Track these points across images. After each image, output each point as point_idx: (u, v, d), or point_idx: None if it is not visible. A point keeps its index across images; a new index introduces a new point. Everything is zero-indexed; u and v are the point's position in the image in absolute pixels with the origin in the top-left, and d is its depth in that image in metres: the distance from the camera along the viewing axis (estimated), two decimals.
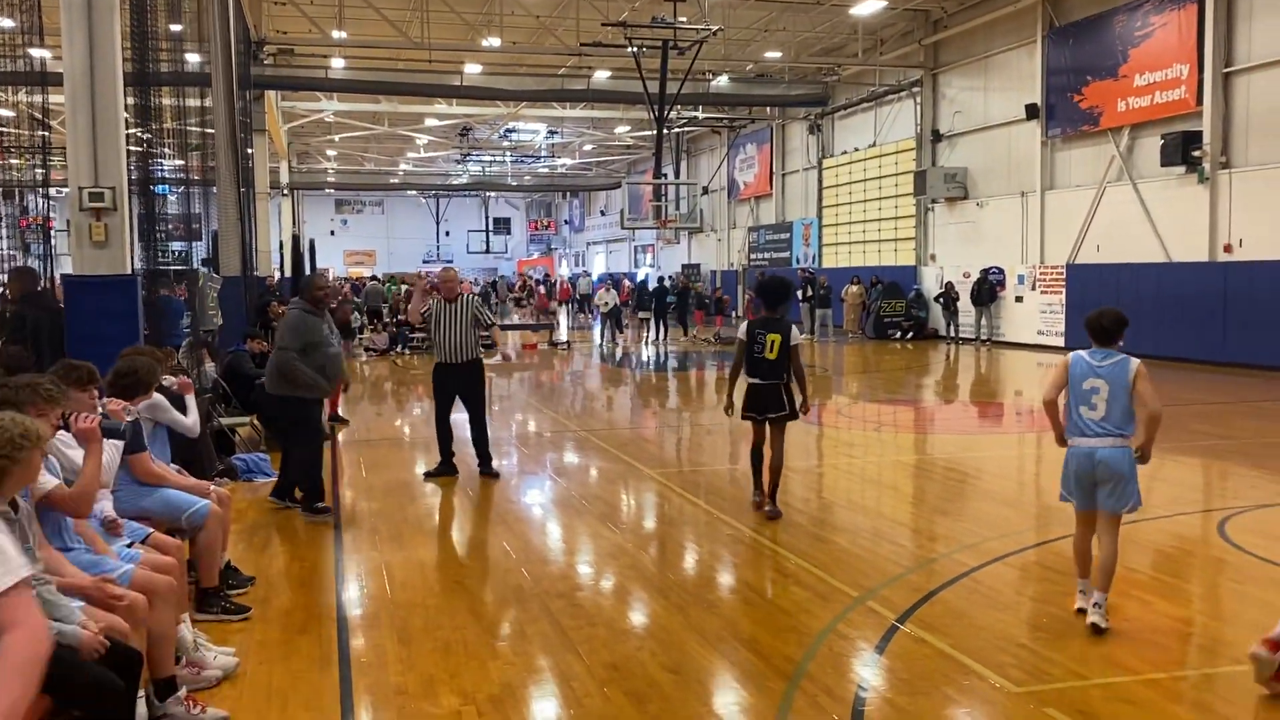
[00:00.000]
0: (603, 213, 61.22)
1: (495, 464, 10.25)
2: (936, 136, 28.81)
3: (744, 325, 8.48)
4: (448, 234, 71.74)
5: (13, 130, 9.62)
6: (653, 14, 25.55)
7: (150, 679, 4.46)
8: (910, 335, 28.59)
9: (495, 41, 27.40)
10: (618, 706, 4.72)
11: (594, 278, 51.05)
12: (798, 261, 36.39)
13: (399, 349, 26.00)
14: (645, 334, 30.57)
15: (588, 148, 50.78)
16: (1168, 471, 9.92)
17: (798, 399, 8.41)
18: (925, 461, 11.37)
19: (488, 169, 56.13)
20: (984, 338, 26.10)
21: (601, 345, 28.80)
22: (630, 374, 22.42)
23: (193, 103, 14.77)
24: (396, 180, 60.97)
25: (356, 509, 8.88)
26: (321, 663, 5.31)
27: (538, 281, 51.28)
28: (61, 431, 4.66)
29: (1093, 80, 22.79)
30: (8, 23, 8.46)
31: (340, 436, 12.75)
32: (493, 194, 67.75)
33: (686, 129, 42.50)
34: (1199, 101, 20.06)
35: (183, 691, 4.58)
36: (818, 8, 27.36)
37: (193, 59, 16.06)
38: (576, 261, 67.90)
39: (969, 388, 19.29)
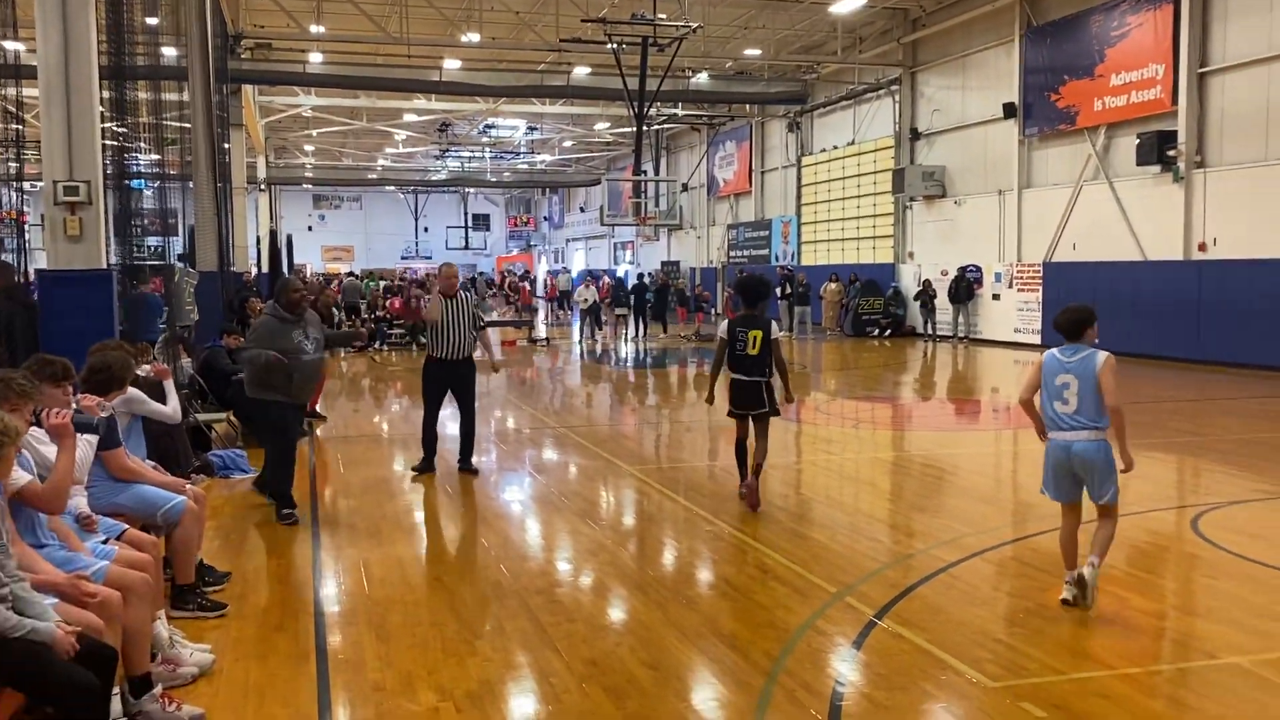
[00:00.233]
0: (582, 209, 61.14)
1: (474, 460, 10.23)
2: (915, 135, 28.93)
3: (724, 324, 8.65)
4: (426, 230, 71.47)
5: None
6: (632, 10, 25.53)
7: (125, 676, 4.42)
8: (888, 333, 28.71)
9: (474, 37, 27.32)
10: (596, 703, 4.72)
11: (574, 274, 51.01)
12: (777, 259, 36.46)
13: (378, 345, 25.90)
14: (624, 331, 30.57)
15: (567, 144, 50.72)
16: (1143, 468, 9.95)
17: (779, 393, 8.59)
18: (903, 458, 11.42)
19: (467, 165, 55.97)
20: (961, 335, 26.24)
21: (581, 342, 28.78)
22: (609, 371, 22.42)
23: (169, 97, 14.66)
24: (375, 176, 60.68)
25: (334, 506, 8.84)
26: (298, 659, 5.29)
27: (520, 277, 51.18)
28: (34, 427, 4.62)
29: (1070, 80, 22.93)
30: None
31: (318, 432, 12.70)
32: (472, 190, 67.57)
33: (666, 126, 42.51)
34: (1174, 101, 20.21)
35: (158, 689, 4.55)
36: (797, 6, 27.43)
37: (169, 53, 15.94)
38: (556, 258, 67.79)
39: (946, 385, 19.39)
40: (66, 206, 8.62)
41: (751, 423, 8.53)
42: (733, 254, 40.33)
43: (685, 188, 44.58)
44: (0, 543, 3.83)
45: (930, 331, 27.55)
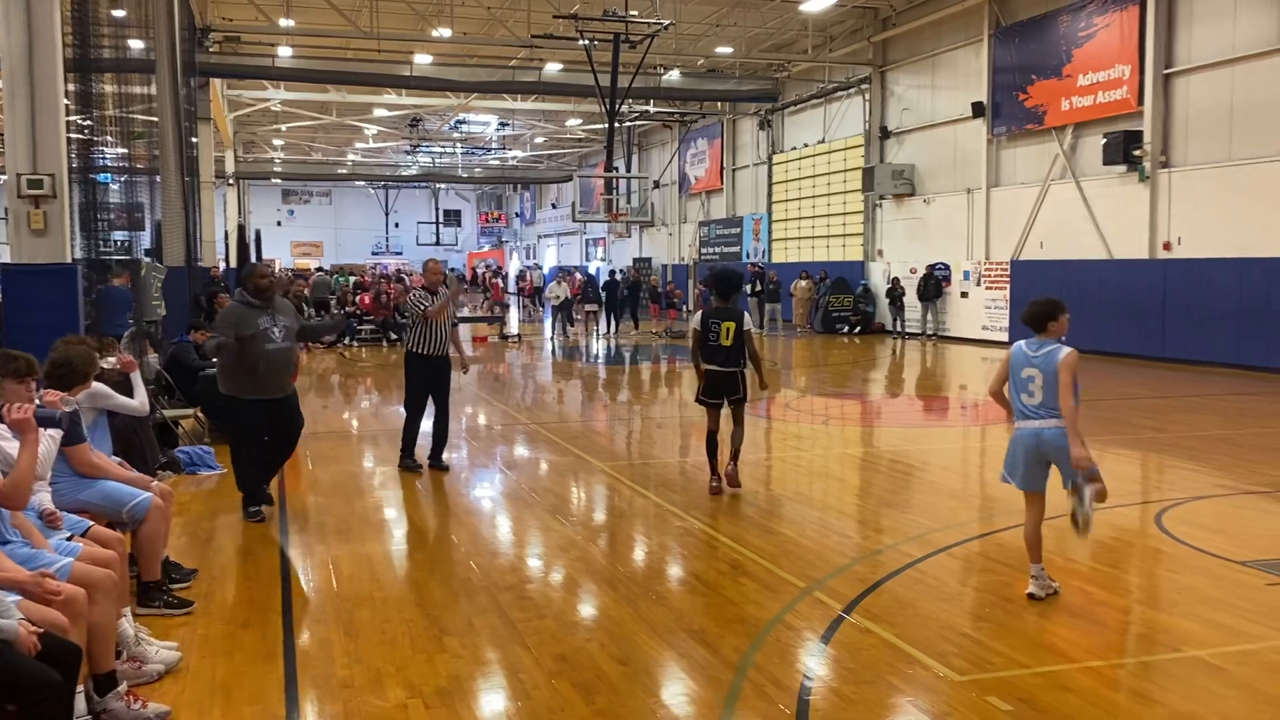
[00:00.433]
0: (554, 205, 61.05)
1: (445, 457, 10.21)
2: (885, 133, 29.09)
3: (697, 315, 8.87)
4: (397, 225, 71.15)
5: None
6: (604, 7, 25.50)
7: (90, 674, 4.39)
8: (858, 330, 28.86)
9: (446, 32, 27.22)
10: (566, 698, 4.73)
11: (545, 270, 50.91)
12: (748, 256, 36.56)
13: (347, 341, 25.76)
14: (596, 327, 30.57)
15: (539, 140, 50.62)
16: (1107, 465, 10.09)
17: (751, 381, 8.87)
18: (872, 454, 11.50)
19: (437, 160, 55.74)
20: (929, 333, 26.42)
21: (552, 338, 28.74)
22: (581, 367, 22.41)
23: (137, 90, 14.50)
24: (345, 171, 60.30)
25: (303, 503, 8.79)
26: (266, 656, 5.26)
27: (493, 273, 51.01)
28: None
29: (1037, 79, 23.13)
30: None
31: None
32: (443, 186, 67.36)
33: (638, 123, 42.50)
34: (1140, 102, 20.44)
35: (123, 686, 4.51)
36: (768, 4, 27.50)
37: (136, 45, 15.76)
38: (528, 254, 67.67)
39: (915, 382, 19.52)
40: (30, 200, 8.52)
41: (728, 408, 8.82)
42: (704, 251, 40.40)
43: (657, 185, 44.57)
44: None
45: (899, 329, 27.73)
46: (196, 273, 19.74)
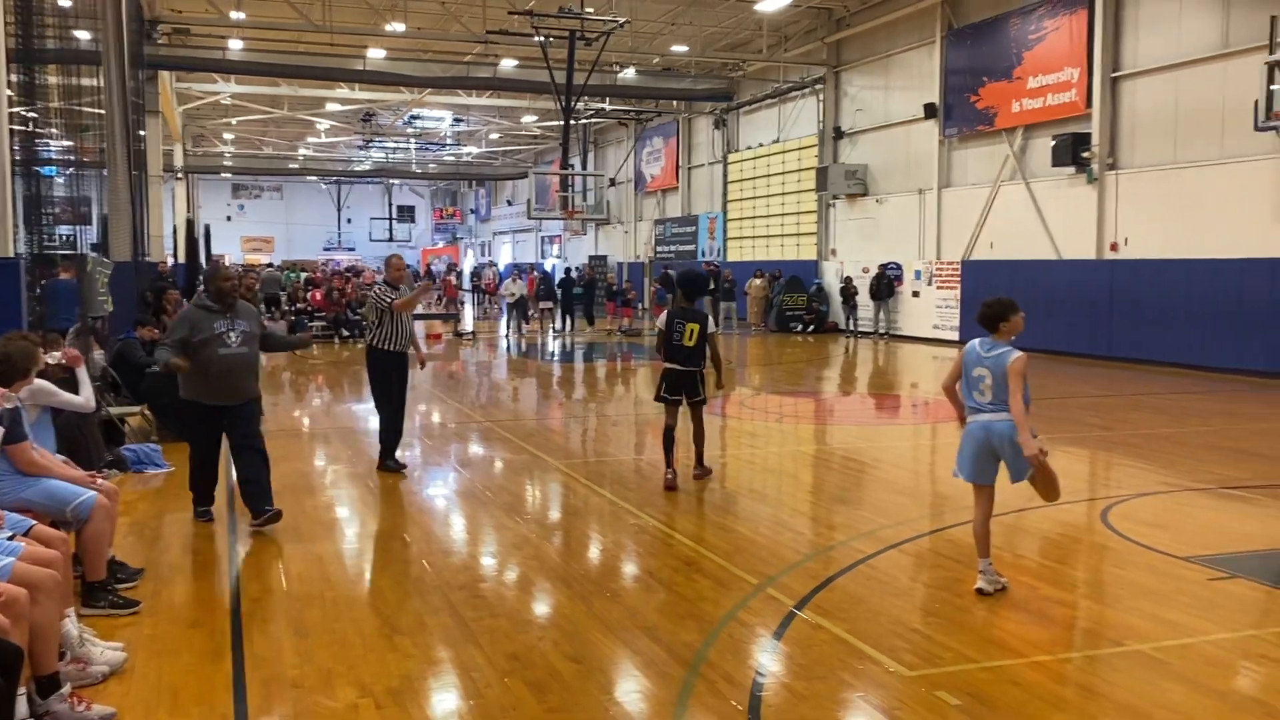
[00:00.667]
0: (509, 202, 60.83)
1: (399, 455, 10.12)
2: (838, 134, 29.30)
3: (664, 314, 9.16)
4: (349, 221, 70.52)
5: None
6: (560, 4, 25.44)
7: (32, 676, 4.30)
8: (811, 329, 29.05)
9: (399, 26, 27.00)
10: (518, 697, 4.71)
11: (500, 268, 50.71)
12: (703, 255, 36.67)
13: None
14: (551, 325, 30.50)
15: (494, 136, 50.39)
16: (1055, 462, 10.22)
17: (710, 381, 9.14)
18: (825, 451, 11.58)
19: (391, 156, 55.30)
20: (882, 331, 26.67)
21: (507, 336, 28.64)
22: (536, 365, 22.35)
23: (83, 82, 14.25)
24: (296, 165, 59.66)
25: None
26: (214, 656, 5.19)
27: (448, 269, 50.67)
28: None
29: (989, 81, 23.41)
30: None
31: None
32: (396, 181, 66.82)
33: (593, 121, 42.48)
34: (1088, 104, 20.75)
35: (67, 688, 4.43)
36: (724, 3, 27.59)
37: (82, 36, 15.50)
38: (483, 251, 67.35)
39: (867, 380, 19.69)
40: None
41: (687, 408, 9.08)
42: (660, 249, 40.46)
43: (613, 183, 44.60)
44: None
45: (852, 328, 27.95)
46: (144, 268, 19.42)
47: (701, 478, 9.27)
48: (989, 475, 6.11)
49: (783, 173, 32.07)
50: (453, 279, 40.98)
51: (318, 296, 27.63)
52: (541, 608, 6.09)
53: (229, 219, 65.94)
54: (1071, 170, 21.08)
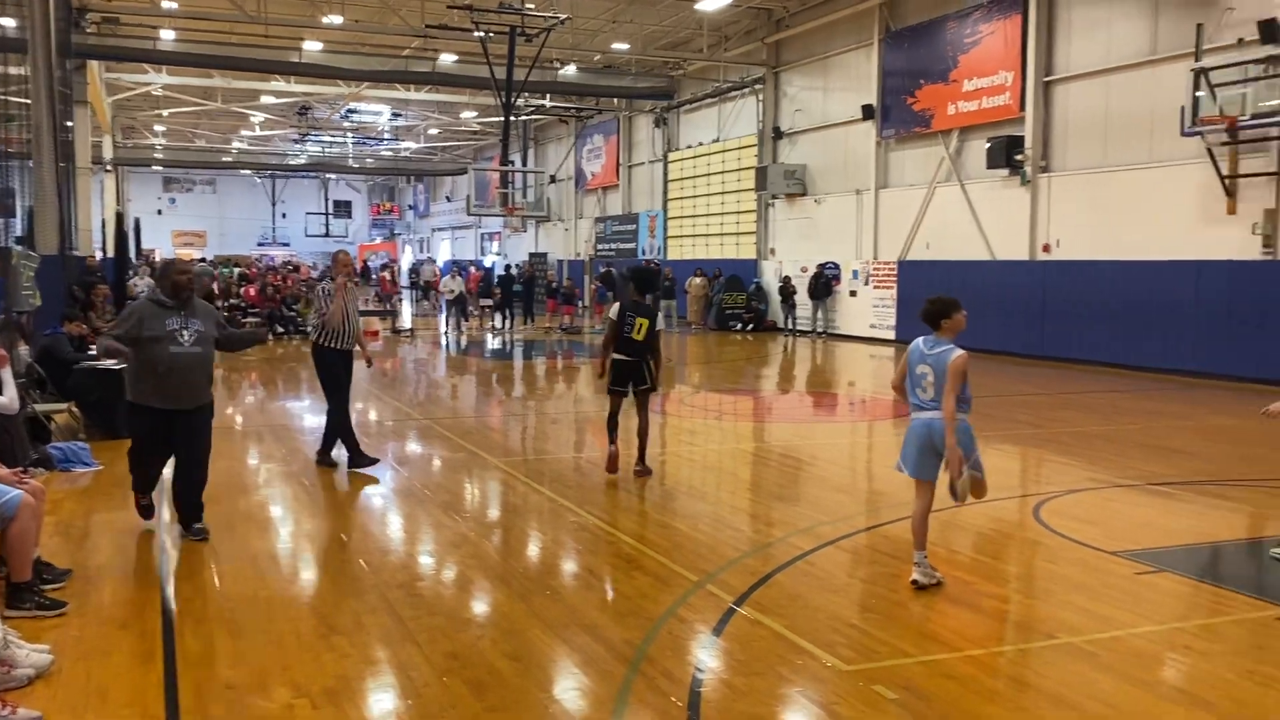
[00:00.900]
0: (448, 199, 60.36)
1: (334, 454, 9.98)
2: (778, 134, 29.50)
3: (615, 306, 9.33)
4: (284, 216, 69.49)
5: None
6: None
7: None
8: (750, 327, 29.23)
9: (337, 19, 26.67)
10: (457, 695, 4.68)
11: (439, 264, 50.27)
12: (643, 253, 36.72)
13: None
14: (490, 322, 30.31)
15: (433, 131, 49.97)
16: (989, 459, 10.39)
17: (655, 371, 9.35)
18: (763, 449, 11.66)
19: (327, 150, 54.57)
20: (819, 330, 26.92)
21: (446, 333, 28.43)
22: (475, 362, 22.22)
23: (10, 70, 13.88)
24: (230, 159, 58.59)
25: None
26: (144, 658, 5.08)
27: (383, 265, 50.06)
28: None
29: (925, 84, 23.73)
30: None
31: None
32: (333, 176, 65.97)
33: (534, 117, 42.30)
34: (1022, 108, 21.13)
35: None
36: (664, 2, 27.64)
37: (8, 23, 15.08)
38: (421, 248, 66.75)
39: (805, 378, 19.86)
40: None
41: (634, 397, 9.28)
42: (600, 247, 40.43)
43: (553, 179, 44.48)
44: None
45: (790, 326, 28.18)
46: (72, 262, 18.97)
47: (642, 475, 9.30)
48: (930, 471, 6.22)
49: (722, 172, 32.22)
50: (388, 275, 40.54)
51: (251, 292, 27.17)
52: (480, 606, 6.05)
53: (160, 213, 64.59)
54: (1005, 172, 21.45)
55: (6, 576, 5.56)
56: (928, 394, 6.12)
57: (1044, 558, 7.15)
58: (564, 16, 26.00)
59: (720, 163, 32.31)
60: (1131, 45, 19.02)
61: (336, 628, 5.54)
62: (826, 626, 5.58)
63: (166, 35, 28.14)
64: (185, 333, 7.03)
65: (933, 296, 6.33)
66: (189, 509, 7.37)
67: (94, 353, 7.36)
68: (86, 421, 10.93)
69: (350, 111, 43.42)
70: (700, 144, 33.54)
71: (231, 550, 7.02)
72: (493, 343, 26.33)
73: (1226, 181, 17.02)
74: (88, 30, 26.46)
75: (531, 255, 43.81)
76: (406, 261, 63.05)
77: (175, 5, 25.85)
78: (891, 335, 24.45)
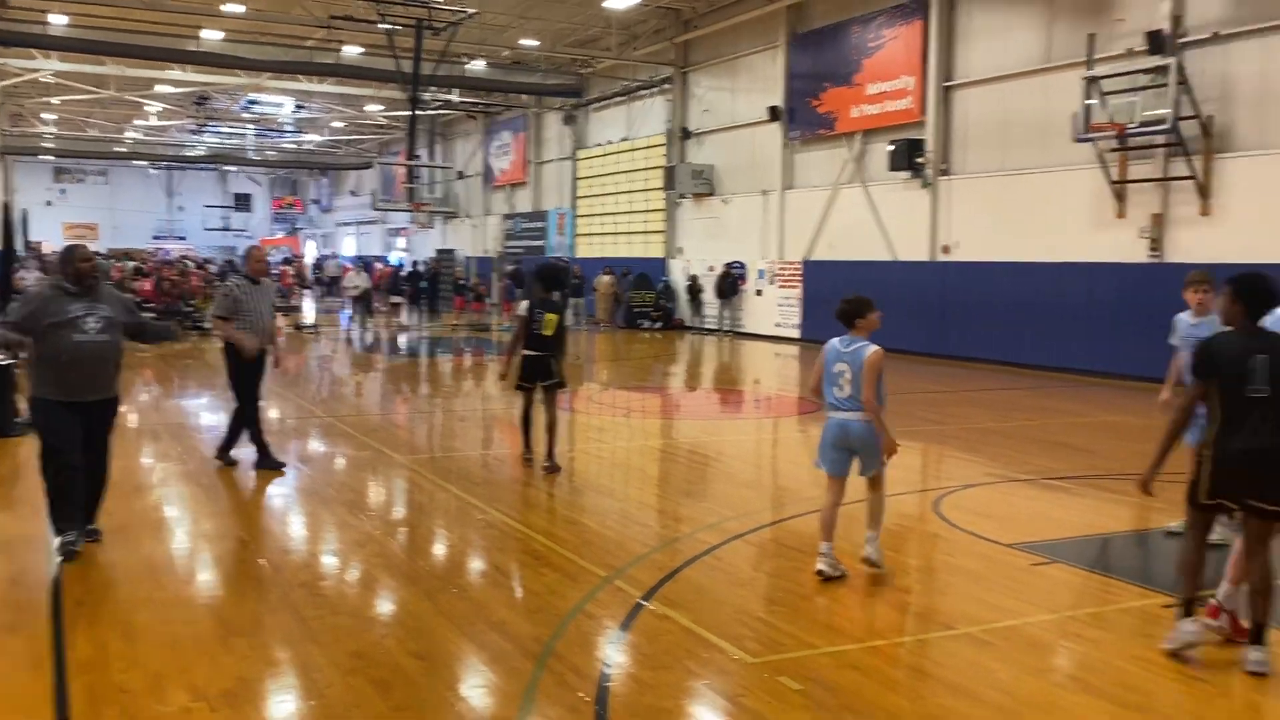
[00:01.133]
0: (353, 193, 59.31)
1: (234, 453, 9.71)
2: (686, 134, 29.66)
3: (524, 303, 9.38)
4: (181, 209, 67.53)
5: None
6: None
7: None
8: (659, 325, 29.36)
9: (238, 8, 26.02)
10: (361, 695, 4.61)
11: (340, 259, 49.43)
12: (553, 250, 36.59)
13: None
14: (396, 319, 29.90)
15: (337, 125, 49.06)
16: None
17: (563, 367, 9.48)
18: (671, 446, 11.72)
19: (227, 141, 53.19)
20: (726, 329, 27.16)
21: (350, 330, 27.95)
22: (381, 360, 21.90)
23: None
24: (124, 149, 56.70)
25: None
26: (33, 664, 4.90)
27: (285, 261, 48.98)
28: None
29: (830, 87, 24.09)
30: None
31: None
32: (233, 168, 64.34)
33: (441, 112, 41.82)
34: (923, 112, 21.60)
35: None
36: None
37: None
38: (325, 243, 65.49)
39: (712, 376, 20.02)
40: None
41: (542, 393, 9.34)
42: (509, 244, 40.17)
43: (461, 175, 44.03)
44: None
45: (698, 325, 28.37)
46: None
47: (552, 472, 9.28)
48: (843, 469, 6.42)
49: (631, 170, 32.27)
50: (290, 270, 39.69)
51: (147, 287, 26.36)
52: (386, 605, 5.97)
53: (50, 204, 62.16)
54: (907, 175, 21.88)
55: None
56: (844, 391, 6.26)
57: (943, 550, 7.34)
58: (472, 10, 25.75)
59: (629, 161, 32.36)
60: (1027, 53, 19.57)
61: (235, 629, 5.41)
62: (733, 620, 5.64)
63: (57, 20, 27.11)
64: (91, 319, 6.60)
65: (848, 296, 6.50)
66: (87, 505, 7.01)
67: None
68: None
69: (251, 102, 42.36)
70: (609, 142, 33.55)
71: (125, 552, 6.80)
72: (399, 340, 25.97)
73: (1116, 187, 17.64)
74: None
75: (439, 252, 43.33)
76: (309, 257, 61.79)
77: None
78: (797, 334, 24.78)
